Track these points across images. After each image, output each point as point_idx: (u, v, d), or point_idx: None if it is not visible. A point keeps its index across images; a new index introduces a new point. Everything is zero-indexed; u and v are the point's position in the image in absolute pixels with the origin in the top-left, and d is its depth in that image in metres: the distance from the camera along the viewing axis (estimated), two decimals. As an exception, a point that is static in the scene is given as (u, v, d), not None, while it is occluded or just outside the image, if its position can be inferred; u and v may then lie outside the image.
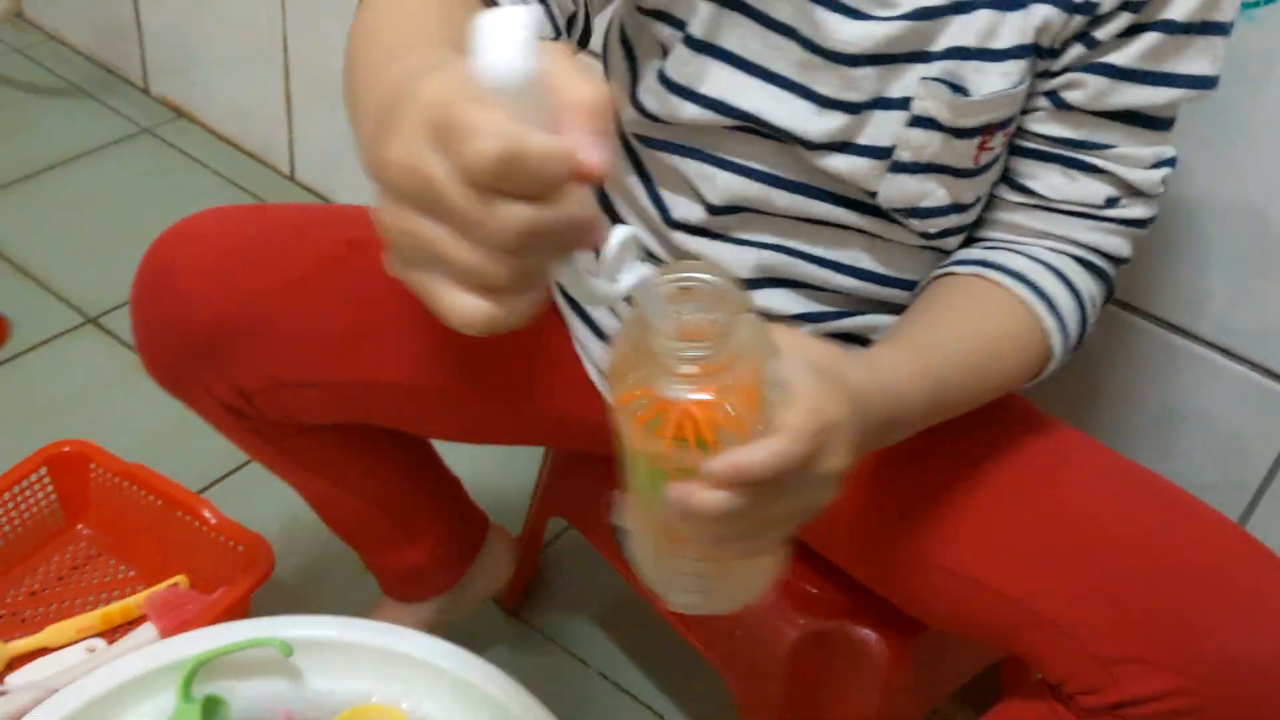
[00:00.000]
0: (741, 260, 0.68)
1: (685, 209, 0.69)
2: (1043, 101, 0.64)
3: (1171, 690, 0.60)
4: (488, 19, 0.35)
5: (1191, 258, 0.86)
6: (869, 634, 0.78)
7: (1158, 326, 0.90)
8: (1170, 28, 0.60)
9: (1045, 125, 0.64)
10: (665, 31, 0.66)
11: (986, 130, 0.63)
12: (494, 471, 1.07)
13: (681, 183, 0.68)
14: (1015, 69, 0.61)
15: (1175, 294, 0.88)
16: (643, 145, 0.70)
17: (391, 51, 0.48)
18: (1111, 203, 0.65)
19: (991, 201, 0.68)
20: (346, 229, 0.75)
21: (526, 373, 0.78)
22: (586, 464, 0.90)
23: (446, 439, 0.84)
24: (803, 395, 0.49)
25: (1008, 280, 0.64)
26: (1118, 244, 0.66)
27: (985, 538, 0.67)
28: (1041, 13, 0.60)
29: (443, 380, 0.75)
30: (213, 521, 0.97)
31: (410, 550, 0.89)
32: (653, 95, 0.67)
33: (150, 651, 0.79)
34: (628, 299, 0.45)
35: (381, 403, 0.76)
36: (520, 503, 1.01)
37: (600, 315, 0.75)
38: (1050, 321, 0.63)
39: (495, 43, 0.35)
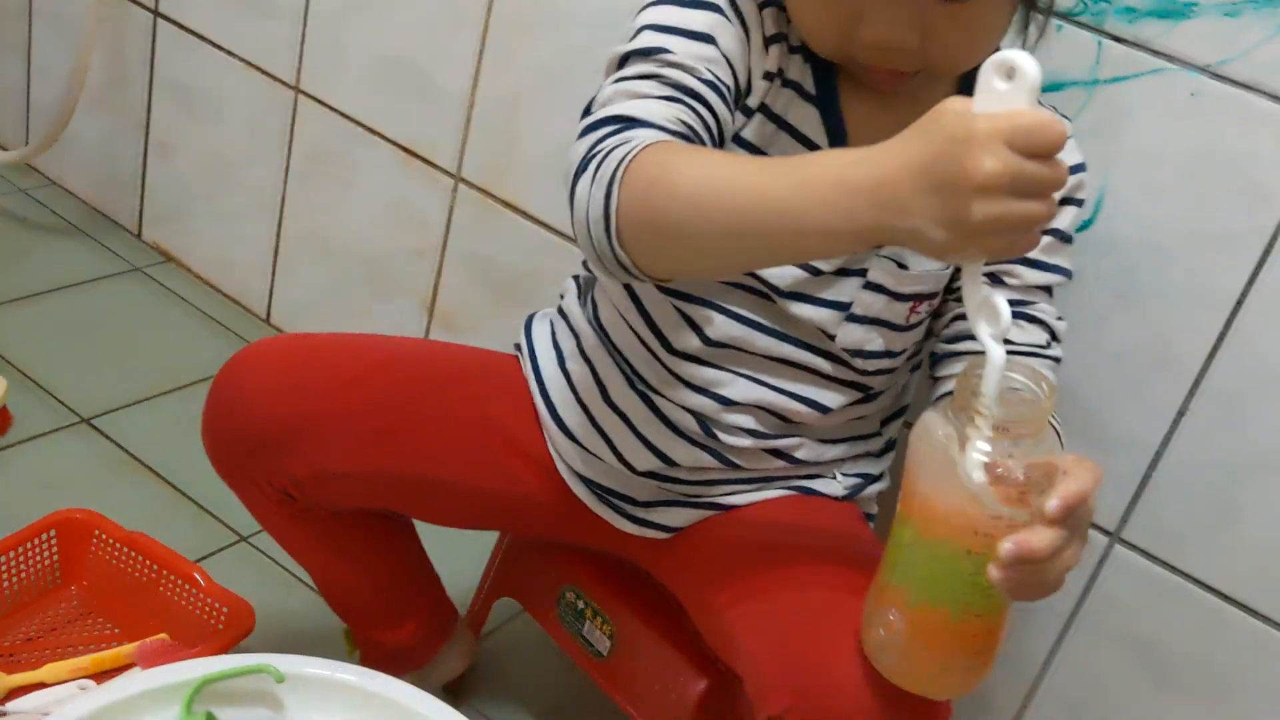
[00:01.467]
0: (723, 385, 0.89)
1: (683, 341, 0.89)
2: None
3: (790, 708, 0.77)
4: (999, 59, 0.61)
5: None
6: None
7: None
8: (1057, 235, 0.88)
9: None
10: None
11: (917, 298, 0.88)
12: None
13: (682, 321, 0.89)
14: None
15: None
16: (661, 292, 0.89)
17: (780, 165, 0.68)
18: (1048, 344, 0.88)
19: (972, 355, 0.86)
20: (369, 355, 0.97)
21: (513, 466, 0.97)
22: (537, 550, 1.08)
23: (447, 523, 1.02)
24: (1068, 455, 0.68)
25: None
26: (1053, 378, 0.88)
27: (744, 589, 0.86)
28: None
29: (446, 470, 0.95)
30: (201, 584, 1.12)
31: (401, 627, 1.07)
32: None
33: (159, 671, 0.93)
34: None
35: (403, 489, 0.95)
36: (460, 591, 1.18)
37: (571, 421, 0.96)
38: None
39: (1009, 74, 0.60)
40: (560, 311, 1.00)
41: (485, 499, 0.97)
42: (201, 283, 1.74)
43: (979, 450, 0.65)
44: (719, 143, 0.79)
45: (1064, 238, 0.89)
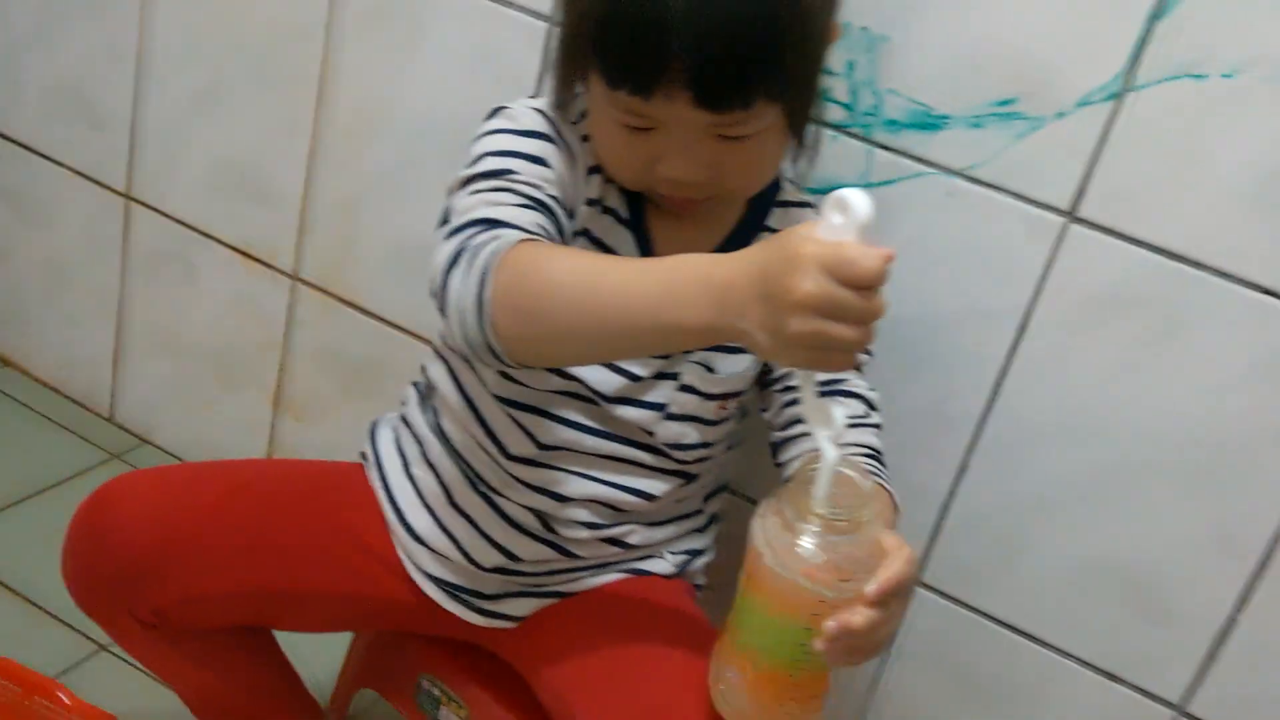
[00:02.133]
0: (559, 483, 0.98)
1: (520, 446, 0.97)
2: None
3: None
4: (836, 196, 0.66)
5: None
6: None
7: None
8: None
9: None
10: None
11: (725, 397, 0.99)
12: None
13: (517, 428, 0.97)
14: (747, 359, 0.97)
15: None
16: (495, 402, 0.96)
17: (643, 264, 0.75)
18: (867, 414, 0.97)
19: (803, 437, 0.95)
20: (227, 479, 1.02)
21: (367, 572, 1.04)
22: (394, 641, 1.15)
23: (309, 629, 1.08)
24: (891, 539, 0.77)
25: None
26: (878, 443, 0.95)
27: (587, 669, 0.94)
28: None
29: (306, 582, 1.01)
30: (67, 703, 1.14)
31: None
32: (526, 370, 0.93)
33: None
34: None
35: (265, 605, 1.01)
36: (319, 684, 1.24)
37: (419, 524, 1.03)
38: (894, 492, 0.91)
39: (843, 210, 0.67)
40: (403, 419, 1.08)
41: (344, 605, 1.04)
42: (42, 386, 1.74)
43: (808, 542, 0.75)
44: None
45: None
